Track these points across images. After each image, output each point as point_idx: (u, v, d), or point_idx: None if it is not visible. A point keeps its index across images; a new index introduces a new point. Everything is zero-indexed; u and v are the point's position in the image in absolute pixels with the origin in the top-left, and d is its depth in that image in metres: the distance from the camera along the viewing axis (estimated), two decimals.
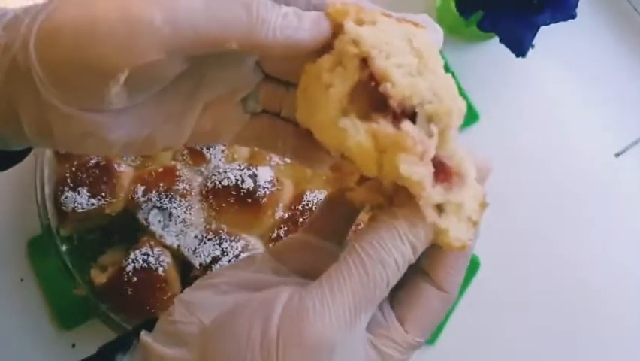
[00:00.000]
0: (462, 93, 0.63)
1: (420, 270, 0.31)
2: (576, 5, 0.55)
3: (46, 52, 0.27)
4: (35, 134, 0.30)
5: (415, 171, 0.27)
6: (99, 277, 0.55)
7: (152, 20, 0.26)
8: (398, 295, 0.31)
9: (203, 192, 0.55)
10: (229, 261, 0.53)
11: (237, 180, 0.54)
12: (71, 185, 0.55)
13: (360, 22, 0.29)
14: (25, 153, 0.37)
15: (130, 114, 0.30)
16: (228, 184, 0.54)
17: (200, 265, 0.53)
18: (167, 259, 0.54)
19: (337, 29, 0.29)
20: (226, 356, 0.28)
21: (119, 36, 0.26)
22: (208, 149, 0.56)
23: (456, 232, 0.29)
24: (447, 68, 0.64)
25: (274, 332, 0.27)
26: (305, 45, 0.28)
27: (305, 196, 0.55)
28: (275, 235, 0.54)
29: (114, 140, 0.30)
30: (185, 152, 0.56)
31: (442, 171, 0.29)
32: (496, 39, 0.57)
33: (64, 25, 0.27)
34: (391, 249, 0.28)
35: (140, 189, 0.55)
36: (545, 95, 0.65)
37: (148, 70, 0.27)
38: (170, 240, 0.54)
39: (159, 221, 0.54)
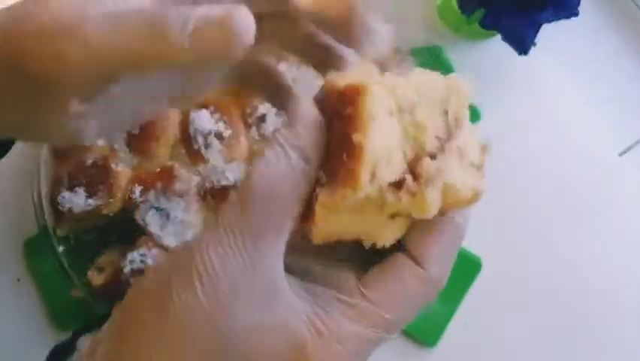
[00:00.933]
0: None
1: (403, 248, 0.28)
2: (578, 3, 0.54)
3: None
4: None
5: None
6: (96, 278, 0.55)
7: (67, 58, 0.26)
8: (371, 268, 0.28)
9: (201, 192, 0.55)
10: None
11: (236, 180, 0.54)
12: (68, 185, 0.55)
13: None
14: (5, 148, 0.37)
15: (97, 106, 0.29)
16: (226, 184, 0.54)
17: None
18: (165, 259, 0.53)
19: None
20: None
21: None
22: (206, 149, 0.55)
23: (462, 178, 0.26)
24: (448, 66, 0.63)
25: (169, 273, 0.25)
26: (213, 57, 0.27)
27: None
28: None
29: (86, 132, 0.30)
30: (184, 151, 0.56)
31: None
32: (498, 37, 0.57)
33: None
34: (270, 158, 0.25)
35: (138, 189, 0.54)
36: (548, 94, 0.64)
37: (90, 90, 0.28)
38: (168, 240, 0.54)
39: (157, 221, 0.54)
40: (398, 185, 0.25)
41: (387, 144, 0.25)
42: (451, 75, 0.28)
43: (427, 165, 0.26)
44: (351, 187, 0.24)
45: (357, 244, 0.29)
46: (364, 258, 0.29)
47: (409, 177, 0.25)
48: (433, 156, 0.26)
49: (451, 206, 0.27)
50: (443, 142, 0.27)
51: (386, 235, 0.27)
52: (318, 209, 0.26)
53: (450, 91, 0.29)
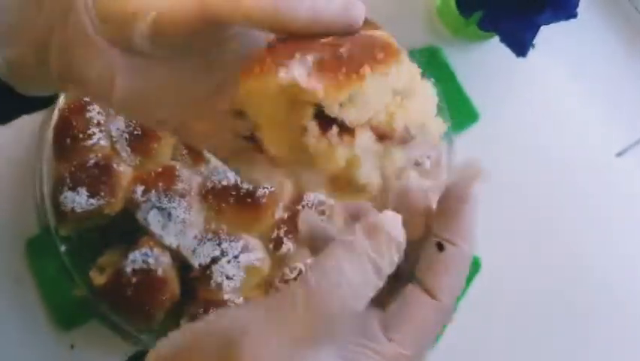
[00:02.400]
0: (462, 93, 0.63)
1: (414, 278, 0.29)
2: (577, 5, 0.54)
3: None
4: (57, 58, 0.31)
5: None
6: (98, 278, 0.55)
7: None
8: (391, 306, 0.29)
9: (203, 192, 0.55)
10: (228, 261, 0.53)
11: (237, 180, 0.54)
12: (70, 185, 0.55)
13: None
14: (39, 104, 0.38)
15: (145, 64, 0.31)
16: (228, 184, 0.54)
17: (200, 265, 0.53)
18: (166, 259, 0.54)
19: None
20: None
21: None
22: None
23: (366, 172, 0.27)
24: (447, 68, 0.64)
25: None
26: (329, 26, 0.28)
27: (305, 196, 0.55)
28: (275, 235, 0.54)
29: (119, 83, 0.31)
30: (185, 152, 0.56)
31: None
32: (497, 39, 0.57)
33: None
34: (344, 269, 0.25)
35: (140, 189, 0.55)
36: (546, 95, 0.64)
37: (174, 22, 0.28)
38: (170, 240, 0.54)
39: (158, 221, 0.54)
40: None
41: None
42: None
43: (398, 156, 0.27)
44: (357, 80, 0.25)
45: None
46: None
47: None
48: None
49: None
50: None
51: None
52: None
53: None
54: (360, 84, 0.25)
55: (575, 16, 0.55)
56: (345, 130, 0.26)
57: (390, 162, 0.28)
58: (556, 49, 0.63)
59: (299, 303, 0.25)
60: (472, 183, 0.30)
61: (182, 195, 0.54)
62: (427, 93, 0.29)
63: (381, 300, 0.28)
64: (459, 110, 0.62)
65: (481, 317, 0.59)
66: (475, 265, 0.60)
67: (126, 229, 0.55)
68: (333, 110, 0.26)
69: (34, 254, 0.61)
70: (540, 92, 0.65)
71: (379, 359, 0.27)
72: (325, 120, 0.26)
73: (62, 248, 0.57)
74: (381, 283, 0.26)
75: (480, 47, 0.65)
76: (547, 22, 0.55)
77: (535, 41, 0.56)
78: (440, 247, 0.28)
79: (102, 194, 0.55)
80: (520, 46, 0.56)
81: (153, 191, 0.54)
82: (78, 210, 0.55)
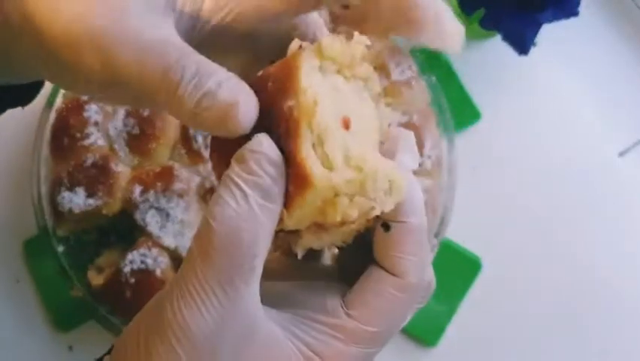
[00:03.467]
0: (463, 92, 0.63)
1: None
2: (579, 3, 0.54)
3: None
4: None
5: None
6: (96, 279, 0.55)
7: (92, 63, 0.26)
8: (354, 285, 0.28)
9: (201, 192, 0.55)
10: None
11: None
12: (68, 185, 0.55)
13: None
14: (29, 94, 0.36)
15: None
16: None
17: None
18: (164, 260, 0.53)
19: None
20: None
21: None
22: (206, 148, 0.55)
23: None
24: (448, 67, 0.63)
25: (143, 330, 0.26)
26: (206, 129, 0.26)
27: None
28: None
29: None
30: (183, 152, 0.56)
31: None
32: (498, 37, 0.57)
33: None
34: (226, 200, 0.25)
35: (138, 189, 0.54)
36: (547, 94, 0.64)
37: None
38: (168, 240, 0.54)
39: (157, 222, 0.54)
40: None
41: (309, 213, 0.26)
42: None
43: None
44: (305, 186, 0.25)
45: (335, 261, 0.30)
46: (343, 274, 0.29)
47: (297, 247, 0.27)
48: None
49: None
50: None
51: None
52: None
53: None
54: (284, 224, 0.26)
55: (576, 14, 0.55)
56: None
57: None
58: (558, 47, 0.63)
59: (194, 252, 0.25)
60: (398, 153, 0.29)
61: (181, 196, 0.54)
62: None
63: (350, 281, 0.28)
64: (460, 109, 0.62)
65: (482, 317, 0.59)
66: (476, 265, 0.59)
67: (124, 230, 0.55)
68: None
69: (31, 255, 0.61)
70: (542, 91, 0.64)
71: (334, 333, 0.26)
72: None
73: (60, 249, 0.56)
74: (275, 207, 0.25)
75: (481, 46, 0.65)
76: (549, 21, 0.55)
77: (536, 40, 0.56)
78: (386, 227, 0.27)
79: (100, 194, 0.54)
80: (522, 44, 0.56)
81: (151, 191, 0.54)
82: (76, 210, 0.54)
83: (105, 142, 0.57)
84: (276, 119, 0.26)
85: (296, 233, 0.27)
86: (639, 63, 0.65)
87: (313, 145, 0.25)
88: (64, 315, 0.59)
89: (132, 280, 0.52)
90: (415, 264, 0.28)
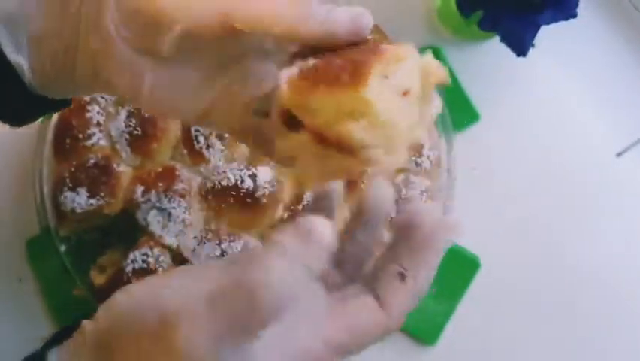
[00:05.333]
0: (462, 93, 0.63)
1: (372, 288, 0.32)
2: (577, 4, 0.54)
3: None
4: (83, 67, 0.33)
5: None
6: (98, 278, 0.55)
7: None
8: (344, 303, 0.32)
9: (203, 192, 0.55)
10: None
11: (237, 180, 0.54)
12: (70, 185, 0.55)
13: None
14: (56, 106, 0.39)
15: (166, 69, 0.33)
16: (228, 184, 0.54)
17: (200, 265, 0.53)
18: (166, 259, 0.54)
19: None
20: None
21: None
22: (207, 149, 0.56)
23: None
24: (447, 68, 0.63)
25: (147, 333, 0.28)
26: (341, 38, 0.31)
27: (305, 196, 0.55)
28: None
29: (147, 85, 0.33)
30: (185, 152, 0.56)
31: None
32: (497, 39, 0.57)
33: None
34: (275, 269, 0.27)
35: (140, 189, 0.55)
36: (546, 95, 0.64)
37: (199, 34, 0.31)
38: (170, 240, 0.54)
39: (158, 221, 0.54)
40: None
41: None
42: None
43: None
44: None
45: None
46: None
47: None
48: None
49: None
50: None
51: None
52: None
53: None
54: (315, 97, 0.29)
55: (575, 15, 0.55)
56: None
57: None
58: (556, 48, 0.63)
59: (231, 292, 0.27)
60: (446, 235, 0.32)
61: (182, 196, 0.54)
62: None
63: (333, 290, 0.32)
64: (459, 110, 0.62)
65: (481, 316, 0.59)
66: (475, 265, 0.60)
67: (126, 229, 0.55)
68: (298, 112, 0.30)
69: (34, 254, 0.61)
70: (540, 92, 0.64)
71: (315, 339, 0.30)
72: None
73: (62, 248, 0.57)
74: (312, 283, 0.28)
75: (480, 47, 0.65)
76: (548, 22, 0.55)
77: (535, 41, 0.56)
78: (402, 277, 0.31)
79: (102, 194, 0.55)
80: (521, 45, 0.56)
81: (153, 191, 0.54)
82: (78, 210, 0.55)
83: (107, 142, 0.57)
84: (362, 50, 0.30)
85: (297, 130, 0.30)
86: (637, 64, 0.66)
87: (380, 75, 0.29)
88: (67, 314, 0.59)
89: (134, 280, 0.53)
90: (403, 314, 0.32)
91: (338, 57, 0.30)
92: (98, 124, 0.57)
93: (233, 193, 0.54)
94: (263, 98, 0.36)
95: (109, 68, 0.33)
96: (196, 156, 0.56)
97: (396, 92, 0.29)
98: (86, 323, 0.31)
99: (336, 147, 0.29)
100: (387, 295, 0.31)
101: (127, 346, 0.28)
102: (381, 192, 0.34)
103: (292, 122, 0.30)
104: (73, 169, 0.56)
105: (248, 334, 0.27)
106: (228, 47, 0.33)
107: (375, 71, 0.29)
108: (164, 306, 0.28)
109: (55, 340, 0.32)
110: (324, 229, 0.28)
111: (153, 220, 0.54)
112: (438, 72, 0.32)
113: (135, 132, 0.56)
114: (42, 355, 0.31)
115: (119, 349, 0.28)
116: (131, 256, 0.53)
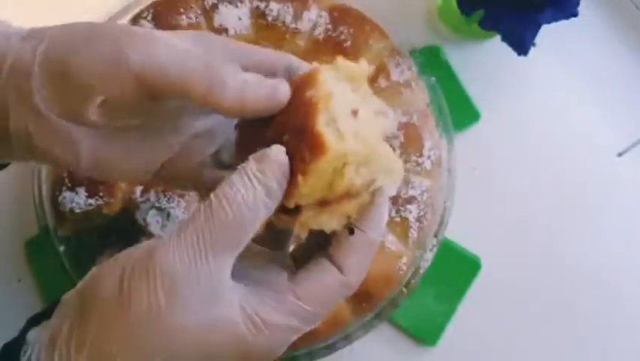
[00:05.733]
0: (463, 92, 0.63)
1: (326, 253, 0.34)
2: (578, 3, 0.54)
3: (49, 61, 0.32)
4: (17, 139, 0.34)
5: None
6: None
7: (127, 60, 0.31)
8: (302, 270, 0.33)
9: (202, 192, 0.55)
10: None
11: None
12: (69, 185, 0.55)
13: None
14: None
15: (102, 135, 0.34)
16: None
17: None
18: None
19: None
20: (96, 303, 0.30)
21: (99, 69, 0.32)
22: None
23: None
24: (448, 67, 0.64)
25: (129, 269, 0.30)
26: (257, 111, 0.32)
27: None
28: None
29: (81, 151, 0.34)
30: None
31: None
32: (498, 38, 0.57)
33: (69, 47, 0.32)
34: (238, 187, 0.30)
35: (138, 189, 0.54)
36: (547, 94, 0.64)
37: (121, 100, 0.32)
38: None
39: (157, 221, 0.54)
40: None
41: (317, 184, 0.31)
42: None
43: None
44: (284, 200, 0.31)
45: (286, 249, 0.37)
46: (296, 259, 0.35)
47: (296, 227, 0.32)
48: None
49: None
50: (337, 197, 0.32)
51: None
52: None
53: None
54: (299, 191, 0.30)
55: (575, 14, 0.55)
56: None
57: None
58: (557, 48, 0.63)
59: (199, 217, 0.30)
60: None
61: (181, 195, 0.54)
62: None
63: (294, 268, 0.34)
64: (460, 110, 0.62)
65: (481, 316, 0.59)
66: (475, 265, 0.60)
67: (125, 229, 0.55)
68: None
69: (33, 254, 0.61)
70: (541, 91, 0.64)
71: (283, 308, 0.32)
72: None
73: (61, 248, 0.56)
74: (272, 204, 0.31)
75: (481, 46, 0.65)
76: (549, 21, 0.55)
77: (536, 40, 0.56)
78: (351, 231, 0.33)
79: (101, 194, 0.55)
80: (521, 45, 0.56)
81: (152, 191, 0.54)
82: (77, 210, 0.55)
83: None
84: (295, 111, 0.31)
85: (296, 214, 0.32)
86: (639, 63, 0.66)
87: (327, 123, 0.30)
88: None
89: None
90: (360, 269, 0.33)
91: (276, 131, 0.32)
92: None
93: None
94: (217, 151, 0.38)
95: (42, 139, 0.33)
96: None
97: (349, 120, 0.31)
98: (65, 295, 0.33)
99: (344, 198, 0.32)
100: (342, 252, 0.33)
101: (97, 316, 0.30)
102: None
103: (289, 210, 0.32)
104: (72, 169, 0.55)
105: (219, 249, 0.30)
106: (160, 109, 0.34)
107: (321, 123, 0.30)
108: (148, 245, 0.31)
109: (33, 322, 0.33)
110: (278, 151, 0.31)
111: (152, 220, 0.54)
112: (358, 68, 0.33)
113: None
114: (22, 338, 0.32)
115: (90, 321, 0.30)
116: None
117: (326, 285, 0.33)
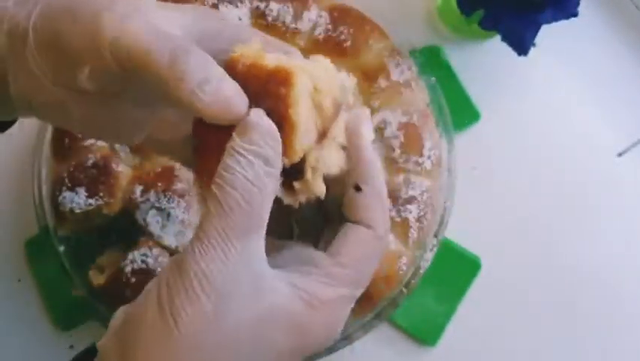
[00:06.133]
0: (463, 92, 0.63)
1: (345, 219, 0.34)
2: (578, 3, 0.54)
3: (41, 29, 0.32)
4: (16, 97, 0.34)
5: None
6: (97, 278, 0.55)
7: (103, 35, 0.31)
8: (333, 242, 0.33)
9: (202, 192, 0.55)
10: None
11: None
12: (69, 185, 0.55)
13: None
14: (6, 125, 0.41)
15: (94, 100, 0.34)
16: None
17: None
18: (165, 259, 0.54)
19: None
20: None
21: (82, 42, 0.31)
22: None
23: (336, 162, 0.33)
24: (448, 67, 0.64)
25: (164, 291, 0.29)
26: (205, 114, 0.30)
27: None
28: None
29: (73, 115, 0.34)
30: None
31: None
32: (498, 38, 0.57)
33: (57, 16, 0.32)
34: (234, 167, 0.29)
35: (138, 189, 0.54)
36: (547, 94, 0.64)
37: (106, 71, 0.32)
38: (169, 240, 0.54)
39: (157, 221, 0.54)
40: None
41: (307, 118, 0.31)
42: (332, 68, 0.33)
43: (314, 157, 0.32)
44: (288, 157, 0.30)
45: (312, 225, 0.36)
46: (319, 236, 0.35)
47: (308, 172, 0.31)
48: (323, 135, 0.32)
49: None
50: (326, 127, 0.32)
51: None
52: None
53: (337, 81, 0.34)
54: (297, 130, 0.30)
55: (576, 14, 0.55)
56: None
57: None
58: (557, 48, 0.63)
59: (212, 212, 0.29)
60: (359, 127, 0.35)
61: (181, 196, 0.54)
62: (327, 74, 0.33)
63: (320, 246, 0.34)
64: (460, 110, 0.62)
65: (481, 316, 0.59)
66: (475, 265, 0.60)
67: (125, 229, 0.55)
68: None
69: (33, 255, 0.61)
70: (541, 92, 0.64)
71: (325, 280, 0.31)
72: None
73: (61, 248, 0.57)
74: (275, 171, 0.30)
75: (481, 46, 0.65)
76: (549, 21, 0.55)
77: (536, 40, 0.56)
78: (357, 188, 0.33)
79: (101, 194, 0.55)
80: (521, 45, 0.56)
81: (152, 191, 0.54)
82: (77, 210, 0.55)
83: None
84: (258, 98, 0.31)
85: (300, 178, 0.32)
86: (638, 63, 0.66)
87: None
88: (66, 314, 0.59)
89: (133, 280, 0.53)
90: (382, 218, 0.34)
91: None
92: None
93: None
94: None
95: (40, 102, 0.34)
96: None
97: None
98: (100, 343, 0.32)
99: (333, 121, 0.32)
100: (358, 209, 0.33)
101: (142, 347, 0.29)
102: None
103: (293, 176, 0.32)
104: (72, 169, 0.56)
105: (243, 236, 0.29)
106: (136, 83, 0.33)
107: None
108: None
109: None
110: (257, 115, 0.30)
111: (152, 220, 0.54)
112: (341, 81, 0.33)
113: None
114: None
115: (140, 331, 0.29)
116: (130, 257, 0.53)
117: (362, 244, 0.33)
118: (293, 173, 0.31)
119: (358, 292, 0.33)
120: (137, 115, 0.36)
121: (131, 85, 0.34)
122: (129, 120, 0.36)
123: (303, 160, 0.31)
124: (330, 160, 0.32)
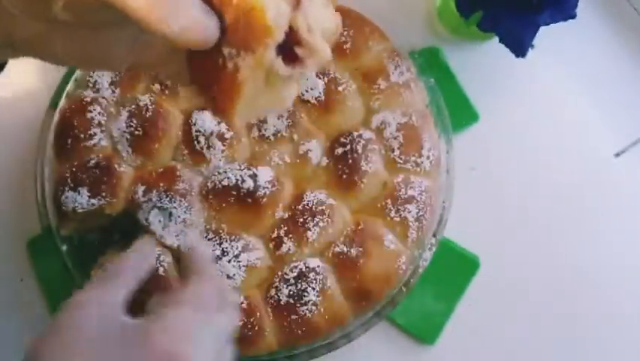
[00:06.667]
0: (462, 93, 0.63)
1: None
2: (576, 5, 0.55)
3: None
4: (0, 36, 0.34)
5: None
6: None
7: None
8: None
9: (204, 192, 0.55)
10: (229, 261, 0.53)
11: (237, 180, 0.55)
12: (71, 185, 0.55)
13: None
14: None
15: (75, 30, 0.33)
16: (228, 184, 0.55)
17: None
18: (167, 259, 0.54)
19: None
20: None
21: None
22: (208, 149, 0.56)
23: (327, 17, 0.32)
24: (447, 68, 0.64)
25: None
26: (177, 44, 0.30)
27: (305, 196, 0.55)
28: (275, 234, 0.54)
29: (57, 46, 0.34)
30: (186, 152, 0.56)
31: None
32: (496, 39, 0.57)
33: None
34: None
35: (140, 189, 0.55)
36: (545, 96, 0.65)
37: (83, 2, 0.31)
38: (171, 240, 0.54)
39: (159, 221, 0.54)
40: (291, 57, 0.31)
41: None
42: None
43: (301, 19, 0.31)
44: (268, 38, 0.30)
45: None
46: None
47: (304, 31, 0.31)
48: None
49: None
50: None
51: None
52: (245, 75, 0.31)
53: None
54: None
55: (573, 16, 0.55)
56: None
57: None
58: (555, 49, 0.64)
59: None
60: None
61: (183, 195, 0.54)
62: None
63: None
64: (458, 111, 0.62)
65: (480, 315, 0.59)
66: (474, 264, 0.60)
67: (127, 229, 0.56)
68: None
69: (35, 254, 0.61)
70: (539, 93, 0.65)
71: (181, 304, 0.40)
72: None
73: (64, 248, 0.57)
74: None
75: (480, 48, 0.65)
76: (547, 23, 0.55)
77: (534, 42, 0.56)
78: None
79: (103, 194, 0.55)
80: (520, 46, 0.56)
81: (154, 191, 0.55)
82: (79, 210, 0.55)
83: (108, 143, 0.57)
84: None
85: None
86: (636, 65, 0.66)
87: None
88: None
89: None
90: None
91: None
92: (99, 124, 0.57)
93: (234, 193, 0.54)
94: None
95: (21, 38, 0.34)
96: (197, 156, 0.56)
97: None
98: None
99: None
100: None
101: None
102: None
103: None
104: (74, 169, 0.56)
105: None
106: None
107: None
108: None
109: None
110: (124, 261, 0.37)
111: (154, 220, 0.54)
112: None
113: (136, 132, 0.56)
114: None
115: None
116: None
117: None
118: (292, 48, 0.31)
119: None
120: (120, 40, 0.36)
121: (108, 13, 0.32)
122: (113, 46, 0.36)
123: (294, 31, 0.31)
124: (321, 17, 0.32)
